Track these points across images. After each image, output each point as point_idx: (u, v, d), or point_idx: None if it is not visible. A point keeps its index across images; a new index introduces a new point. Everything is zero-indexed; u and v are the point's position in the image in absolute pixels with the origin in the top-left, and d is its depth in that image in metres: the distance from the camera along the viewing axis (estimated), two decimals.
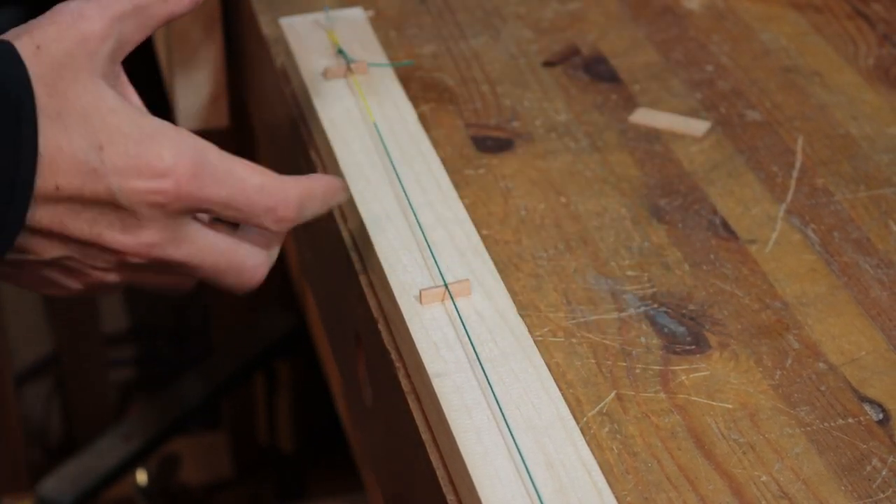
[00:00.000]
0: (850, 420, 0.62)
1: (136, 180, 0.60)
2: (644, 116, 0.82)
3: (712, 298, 0.69)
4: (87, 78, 0.61)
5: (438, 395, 0.60)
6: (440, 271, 0.66)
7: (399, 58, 0.87)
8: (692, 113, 0.82)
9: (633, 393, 0.63)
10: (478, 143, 0.80)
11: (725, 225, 0.73)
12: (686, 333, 0.66)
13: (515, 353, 0.63)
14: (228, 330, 1.67)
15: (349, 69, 0.80)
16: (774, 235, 0.73)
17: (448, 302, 0.65)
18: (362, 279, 0.70)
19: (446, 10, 0.92)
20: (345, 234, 0.73)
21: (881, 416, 0.62)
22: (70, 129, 0.59)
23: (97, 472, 1.45)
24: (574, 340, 0.66)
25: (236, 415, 1.77)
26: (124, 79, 0.67)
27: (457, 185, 0.73)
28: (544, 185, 0.76)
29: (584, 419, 0.62)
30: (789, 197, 0.76)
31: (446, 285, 0.65)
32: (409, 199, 0.71)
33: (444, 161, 0.75)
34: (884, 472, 0.59)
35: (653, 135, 0.81)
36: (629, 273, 0.70)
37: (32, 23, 0.61)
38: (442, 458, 0.60)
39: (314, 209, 0.65)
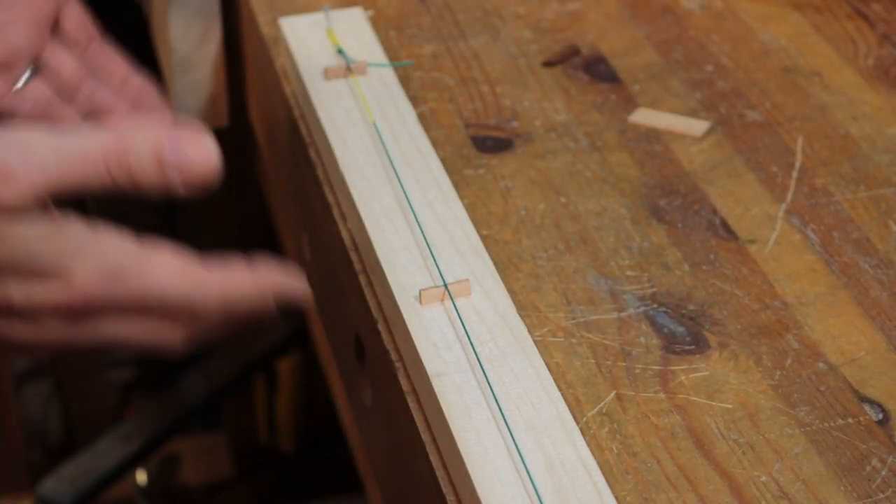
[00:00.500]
0: (850, 420, 0.62)
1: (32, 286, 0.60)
2: (644, 116, 0.82)
3: (712, 298, 0.69)
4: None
5: (438, 396, 0.60)
6: (440, 271, 0.66)
7: (399, 58, 0.87)
8: (692, 113, 0.82)
9: (632, 393, 0.63)
10: (477, 143, 0.80)
11: (725, 225, 0.73)
12: (686, 333, 0.66)
13: (515, 354, 0.63)
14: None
15: (349, 69, 0.80)
16: (774, 235, 0.73)
17: (448, 302, 0.65)
18: (362, 279, 0.70)
19: (446, 9, 0.92)
20: (344, 234, 0.73)
21: (881, 416, 0.62)
22: None
23: (97, 473, 1.44)
24: (574, 340, 0.66)
25: (236, 415, 1.77)
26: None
27: (456, 185, 0.73)
28: (544, 185, 0.76)
29: (584, 419, 0.62)
30: (789, 197, 0.76)
31: (446, 285, 0.65)
32: (408, 199, 0.71)
33: (444, 161, 0.75)
34: (883, 473, 0.59)
35: (652, 135, 0.81)
36: (629, 273, 0.70)
37: None
38: (441, 458, 0.60)
39: (244, 310, 0.63)
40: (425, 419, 0.62)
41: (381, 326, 0.67)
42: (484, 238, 0.70)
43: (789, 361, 0.65)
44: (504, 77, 0.86)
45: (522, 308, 0.67)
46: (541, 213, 0.74)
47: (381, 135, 0.76)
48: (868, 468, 0.60)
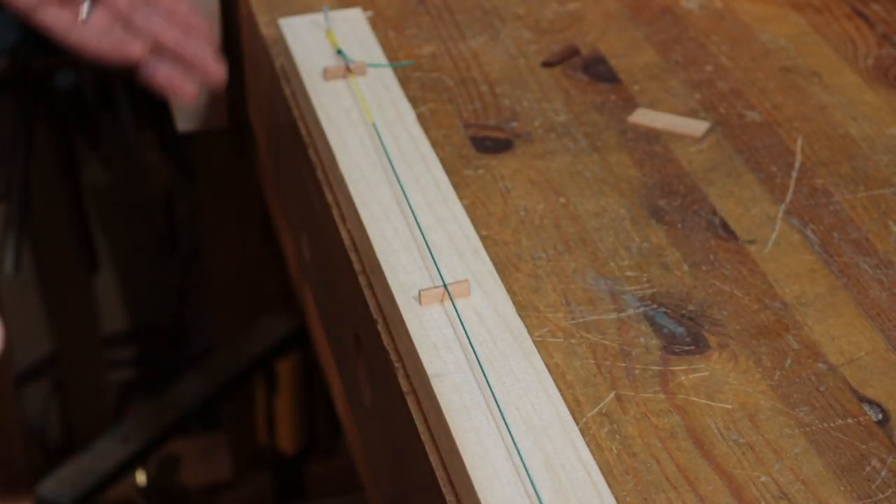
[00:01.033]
0: (850, 420, 0.62)
1: None
2: (643, 117, 0.82)
3: (711, 299, 0.69)
4: None
5: (438, 396, 0.60)
6: (439, 272, 0.66)
7: (398, 58, 0.87)
8: (691, 113, 0.82)
9: (632, 393, 0.63)
10: (477, 143, 0.80)
11: (725, 225, 0.73)
12: (685, 334, 0.66)
13: (515, 354, 0.63)
14: (228, 330, 1.67)
15: (348, 70, 0.80)
16: (774, 236, 0.73)
17: (447, 302, 0.65)
18: (361, 279, 0.70)
19: (445, 10, 0.92)
20: (344, 235, 0.73)
21: (880, 416, 0.62)
22: None
23: (96, 473, 1.44)
24: (573, 341, 0.66)
25: (236, 415, 1.77)
26: None
27: (456, 186, 0.73)
28: (543, 186, 0.76)
29: (584, 419, 0.62)
30: (789, 197, 0.76)
31: (445, 286, 0.65)
32: (408, 200, 0.71)
33: (444, 161, 0.75)
34: (883, 473, 0.59)
35: (652, 135, 0.81)
36: (628, 273, 0.70)
37: None
38: (441, 458, 0.60)
39: None
40: (425, 419, 0.62)
41: (380, 327, 0.67)
42: (483, 238, 0.70)
43: (789, 362, 0.65)
44: (503, 77, 0.86)
45: (522, 308, 0.67)
46: (540, 214, 0.74)
47: (381, 135, 0.76)
48: (868, 468, 0.60)
